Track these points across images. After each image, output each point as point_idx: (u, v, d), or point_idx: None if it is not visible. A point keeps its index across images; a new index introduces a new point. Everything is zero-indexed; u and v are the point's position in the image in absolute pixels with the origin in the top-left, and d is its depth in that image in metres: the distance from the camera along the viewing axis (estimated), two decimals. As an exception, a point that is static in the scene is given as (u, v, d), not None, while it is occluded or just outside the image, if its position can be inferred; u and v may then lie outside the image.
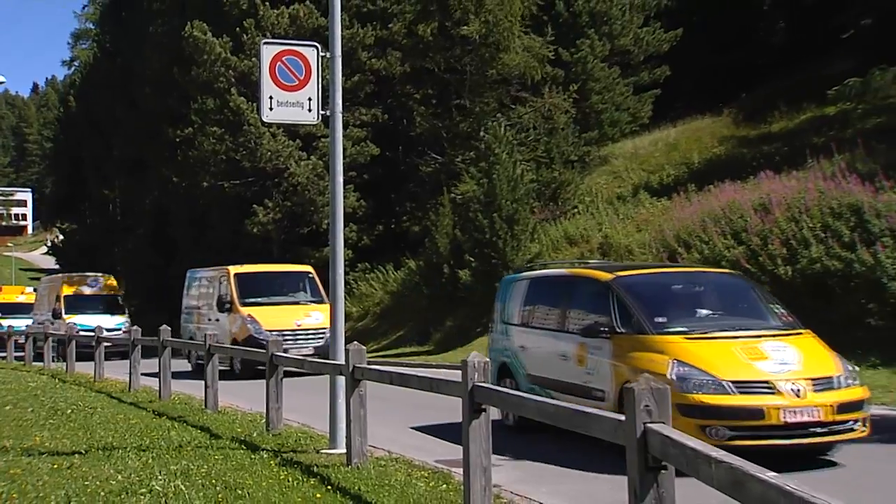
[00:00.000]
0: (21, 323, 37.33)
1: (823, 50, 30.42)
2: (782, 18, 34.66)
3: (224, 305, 22.36)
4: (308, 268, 24.42)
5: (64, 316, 31.38)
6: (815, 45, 30.90)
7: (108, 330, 26.02)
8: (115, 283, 35.72)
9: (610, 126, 32.11)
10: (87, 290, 34.24)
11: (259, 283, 23.28)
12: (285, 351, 17.07)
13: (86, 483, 8.29)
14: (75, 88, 70.01)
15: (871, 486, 8.14)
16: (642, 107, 32.82)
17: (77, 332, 23.53)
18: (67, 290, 33.77)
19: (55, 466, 9.20)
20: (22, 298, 42.72)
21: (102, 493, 7.86)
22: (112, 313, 32.43)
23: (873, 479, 8.44)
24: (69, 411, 13.97)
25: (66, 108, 71.44)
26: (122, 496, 7.76)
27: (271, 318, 21.49)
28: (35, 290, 42.18)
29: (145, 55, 43.66)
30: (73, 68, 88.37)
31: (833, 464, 9.03)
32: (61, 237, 69.55)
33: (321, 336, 20.74)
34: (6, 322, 38.48)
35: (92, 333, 21.15)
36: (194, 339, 23.07)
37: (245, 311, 21.86)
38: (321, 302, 21.65)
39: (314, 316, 21.63)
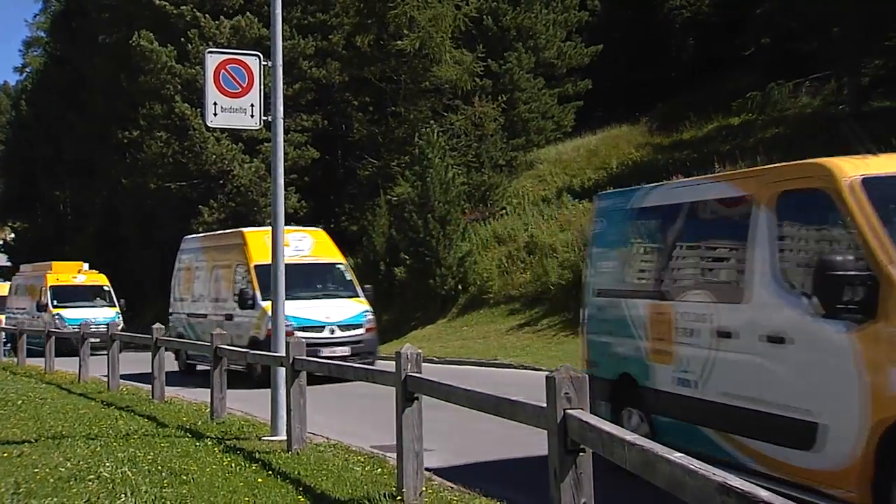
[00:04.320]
0: (90, 314, 26.26)
1: (728, 66, 31.04)
2: (692, 37, 35.26)
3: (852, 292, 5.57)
4: None
5: (262, 304, 16.36)
6: (720, 61, 31.52)
7: (342, 326, 16.52)
8: (330, 241, 19.14)
9: (535, 133, 32.32)
10: (293, 256, 16.12)
11: None
12: None
13: (35, 470, 8.11)
14: (27, 94, 68.29)
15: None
16: (565, 115, 33.10)
17: (292, 332, 13.96)
18: (260, 256, 16.79)
19: (5, 455, 8.98)
20: (82, 279, 29.55)
21: (51, 480, 7.69)
22: (341, 296, 17.75)
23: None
24: (19, 402, 13.64)
25: (18, 112, 69.67)
26: (71, 482, 7.61)
27: None
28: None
29: (95, 63, 42.79)
30: (24, 74, 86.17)
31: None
32: (13, 235, 67.83)
33: None
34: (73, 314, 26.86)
35: (319, 335, 13.73)
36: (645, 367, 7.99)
37: None
38: None
39: None
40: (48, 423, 11.34)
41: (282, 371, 9.79)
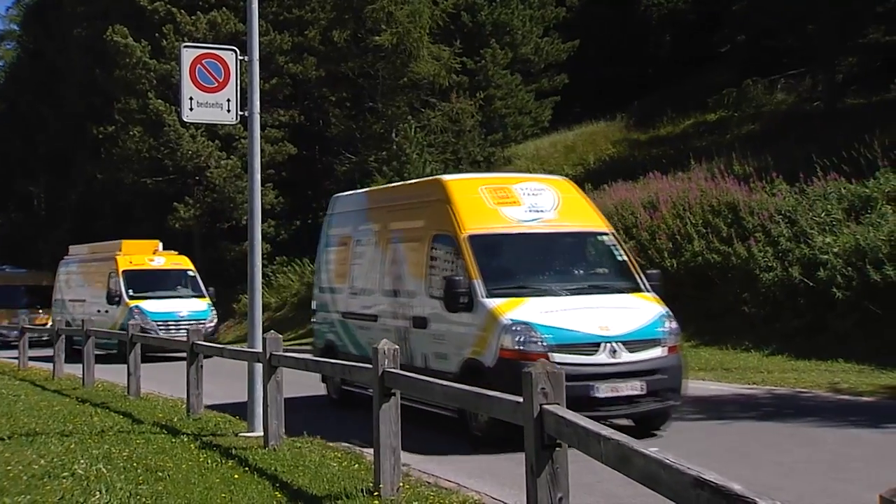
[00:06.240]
0: (175, 306, 22.10)
1: (704, 62, 31.22)
2: (668, 33, 35.43)
3: None
4: None
5: (486, 303, 9.43)
6: (697, 58, 31.70)
7: (629, 343, 9.24)
8: (582, 199, 11.37)
9: (513, 129, 32.39)
10: (527, 223, 10.37)
11: None
12: None
13: (8, 468, 8.02)
14: None
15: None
16: (543, 111, 33.17)
17: (546, 353, 8.87)
18: (475, 220, 10.22)
19: (-22, 453, 8.88)
20: (160, 262, 23.64)
21: (25, 478, 7.62)
22: (618, 290, 10.16)
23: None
24: (-7, 399, 13.50)
25: (-10, 106, 68.88)
26: (45, 479, 7.54)
27: None
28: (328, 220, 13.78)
29: (69, 57, 42.43)
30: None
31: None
32: (-14, 231, 67.07)
33: None
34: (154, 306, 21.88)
35: (592, 359, 9.02)
36: None
37: None
38: None
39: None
40: (21, 420, 11.24)
41: (259, 367, 9.76)
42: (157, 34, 32.99)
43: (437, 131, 30.22)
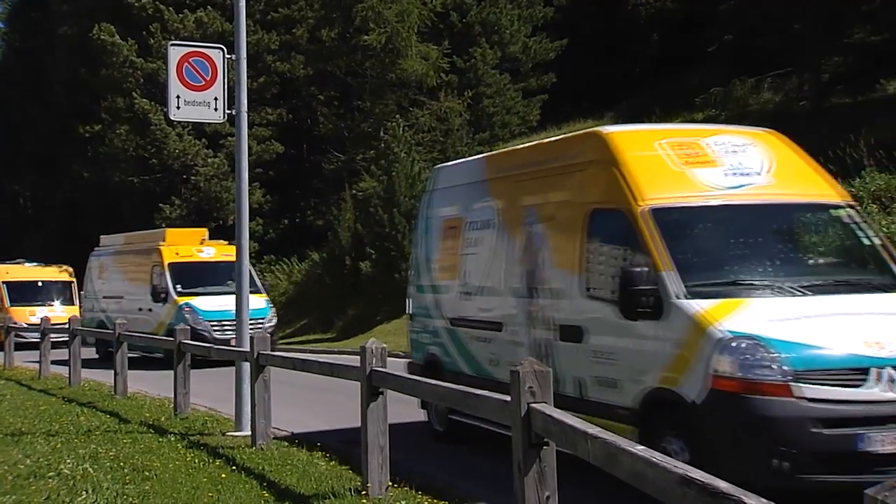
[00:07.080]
0: (231, 304, 16.67)
1: (692, 62, 31.30)
2: (656, 33, 35.51)
3: None
4: None
5: (690, 308, 6.41)
6: (684, 57, 31.77)
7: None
8: (797, 156, 8.43)
9: (501, 128, 32.40)
10: (725, 191, 7.24)
11: None
12: None
13: (-6, 468, 7.99)
14: (-16, 85, 67.14)
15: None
16: (531, 110, 33.21)
17: (787, 384, 6.00)
18: (661, 189, 7.17)
19: (-37, 453, 8.83)
20: (209, 253, 20.89)
21: (10, 478, 7.59)
22: (879, 287, 7.08)
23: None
24: (-22, 399, 13.44)
25: (-25, 104, 68.42)
26: (30, 479, 7.52)
27: None
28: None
29: (55, 55, 42.27)
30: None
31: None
32: (-29, 230, 66.67)
33: None
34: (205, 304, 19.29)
35: (863, 391, 6.00)
36: None
37: None
38: None
39: None
40: (7, 420, 11.19)
41: (246, 366, 9.75)
42: (143, 32, 32.91)
43: (426, 130, 30.23)
